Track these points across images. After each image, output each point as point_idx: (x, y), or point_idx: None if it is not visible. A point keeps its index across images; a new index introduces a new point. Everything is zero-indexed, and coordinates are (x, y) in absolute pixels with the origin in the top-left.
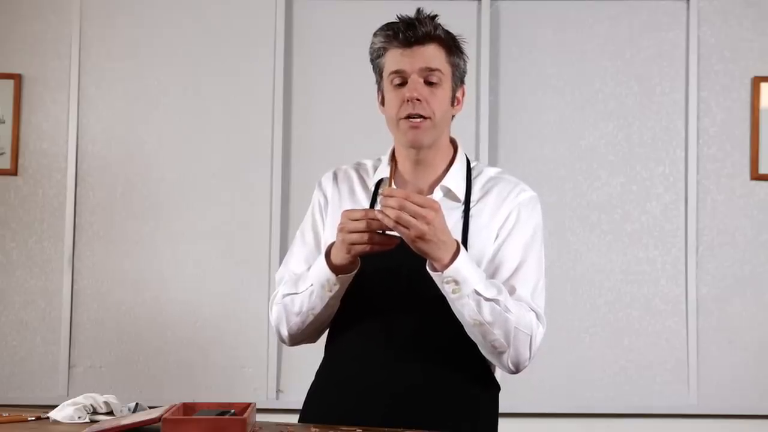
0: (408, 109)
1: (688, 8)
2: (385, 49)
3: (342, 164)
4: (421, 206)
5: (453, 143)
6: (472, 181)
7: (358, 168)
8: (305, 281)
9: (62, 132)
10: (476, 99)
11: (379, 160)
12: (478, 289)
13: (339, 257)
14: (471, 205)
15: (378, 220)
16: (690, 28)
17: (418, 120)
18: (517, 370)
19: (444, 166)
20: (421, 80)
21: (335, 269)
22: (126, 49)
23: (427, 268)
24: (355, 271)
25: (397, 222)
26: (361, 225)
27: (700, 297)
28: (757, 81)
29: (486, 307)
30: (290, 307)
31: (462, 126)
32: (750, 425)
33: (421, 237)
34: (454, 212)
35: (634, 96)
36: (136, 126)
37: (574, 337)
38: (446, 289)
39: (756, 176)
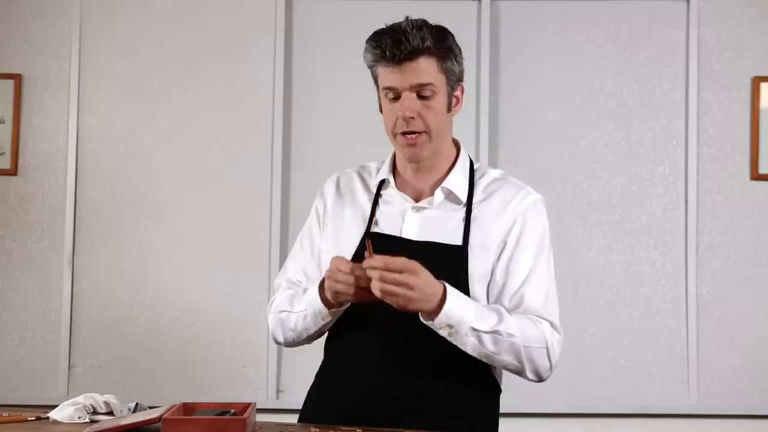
0: (402, 127)
1: (688, 8)
2: (376, 64)
3: (342, 166)
4: (401, 272)
5: (456, 144)
6: (475, 183)
7: (362, 171)
8: (300, 302)
9: (62, 132)
10: (476, 99)
11: (383, 162)
12: (474, 326)
13: (329, 297)
14: (473, 206)
15: (364, 274)
16: (690, 28)
17: (414, 136)
18: (540, 379)
19: (446, 168)
20: (414, 95)
21: (327, 303)
22: (126, 49)
23: (422, 319)
24: (347, 305)
25: (384, 293)
26: (349, 279)
27: (700, 297)
28: (757, 81)
29: (487, 339)
30: (286, 323)
31: (462, 126)
32: (750, 425)
33: (409, 302)
34: (456, 214)
35: (634, 96)
36: (136, 126)
37: (574, 337)
38: (443, 334)
39: (756, 176)
